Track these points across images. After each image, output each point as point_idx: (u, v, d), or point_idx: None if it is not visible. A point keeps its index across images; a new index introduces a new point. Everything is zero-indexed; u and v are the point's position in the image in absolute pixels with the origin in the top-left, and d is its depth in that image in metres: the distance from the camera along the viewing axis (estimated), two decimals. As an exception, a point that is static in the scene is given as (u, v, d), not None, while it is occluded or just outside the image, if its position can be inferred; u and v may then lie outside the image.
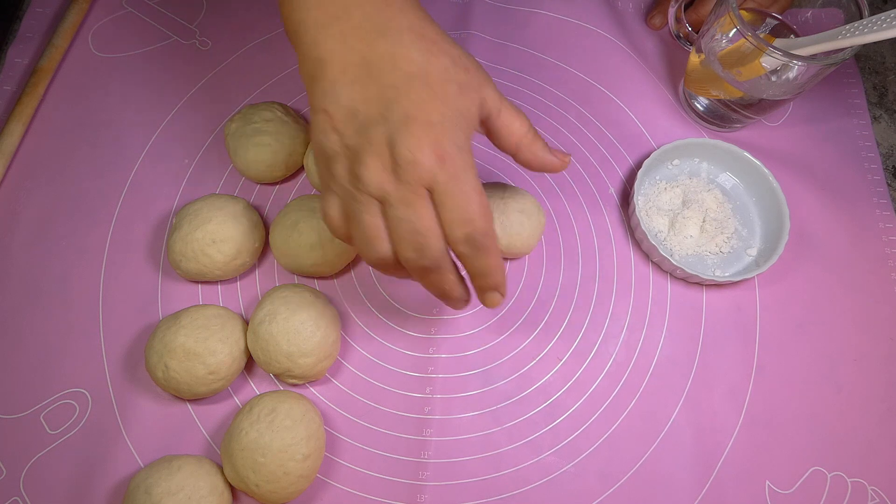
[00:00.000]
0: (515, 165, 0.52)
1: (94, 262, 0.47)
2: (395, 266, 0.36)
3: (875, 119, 0.56)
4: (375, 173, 0.33)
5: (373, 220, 0.34)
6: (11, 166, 0.50)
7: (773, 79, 0.47)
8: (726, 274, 0.48)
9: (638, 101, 0.55)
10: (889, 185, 0.53)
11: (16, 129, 0.50)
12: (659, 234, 0.49)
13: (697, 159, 0.52)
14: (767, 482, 0.43)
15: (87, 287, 0.47)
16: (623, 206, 0.51)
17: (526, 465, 0.43)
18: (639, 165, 0.50)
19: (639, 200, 0.49)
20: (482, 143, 0.53)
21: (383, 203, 0.34)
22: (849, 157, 0.54)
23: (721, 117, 0.53)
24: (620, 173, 0.53)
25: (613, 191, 0.52)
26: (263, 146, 0.48)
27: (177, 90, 0.54)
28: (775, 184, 0.49)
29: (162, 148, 0.52)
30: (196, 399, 0.43)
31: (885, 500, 0.43)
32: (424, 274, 0.35)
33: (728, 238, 0.49)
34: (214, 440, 0.43)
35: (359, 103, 0.33)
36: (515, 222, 0.46)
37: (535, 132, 0.38)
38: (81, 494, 0.41)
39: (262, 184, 0.51)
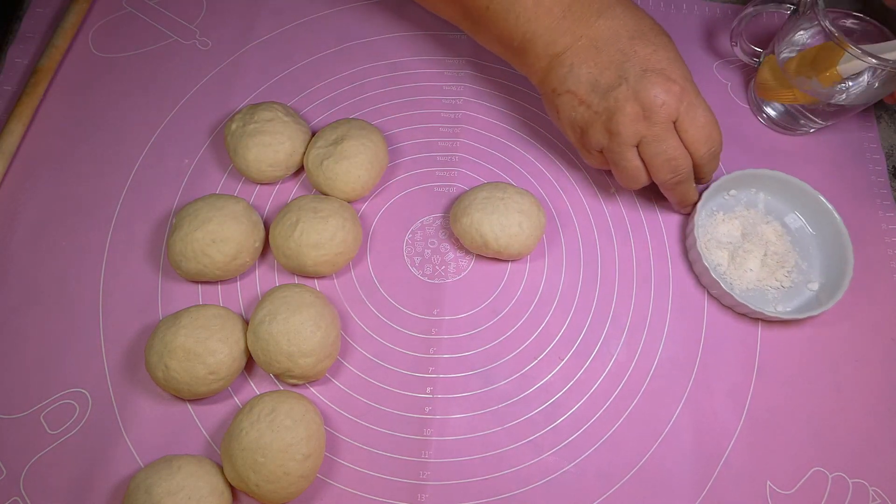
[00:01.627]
0: (518, 166, 0.52)
1: (94, 262, 0.47)
2: (645, 185, 0.45)
3: (875, 119, 0.56)
4: (631, 124, 0.41)
5: (634, 163, 0.43)
6: (11, 166, 0.50)
7: (851, 85, 0.47)
8: (788, 309, 0.47)
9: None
10: (891, 185, 0.53)
11: (16, 129, 0.50)
12: (718, 268, 0.48)
13: (754, 190, 0.51)
14: (768, 482, 0.43)
15: (87, 287, 0.47)
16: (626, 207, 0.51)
17: (526, 466, 0.43)
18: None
19: (699, 233, 0.48)
20: (479, 143, 0.53)
21: (640, 144, 0.42)
22: (852, 156, 0.54)
23: (790, 121, 0.53)
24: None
25: (615, 190, 0.52)
26: (263, 146, 0.48)
27: (177, 90, 0.54)
28: (837, 216, 0.48)
29: (162, 148, 0.52)
30: (196, 399, 0.43)
31: (887, 501, 0.43)
32: (675, 187, 0.44)
33: (789, 272, 0.48)
34: (214, 440, 0.43)
35: (597, 75, 0.41)
36: (514, 222, 0.45)
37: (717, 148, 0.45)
38: (81, 494, 0.41)
39: (262, 184, 0.51)
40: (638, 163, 0.43)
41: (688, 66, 0.43)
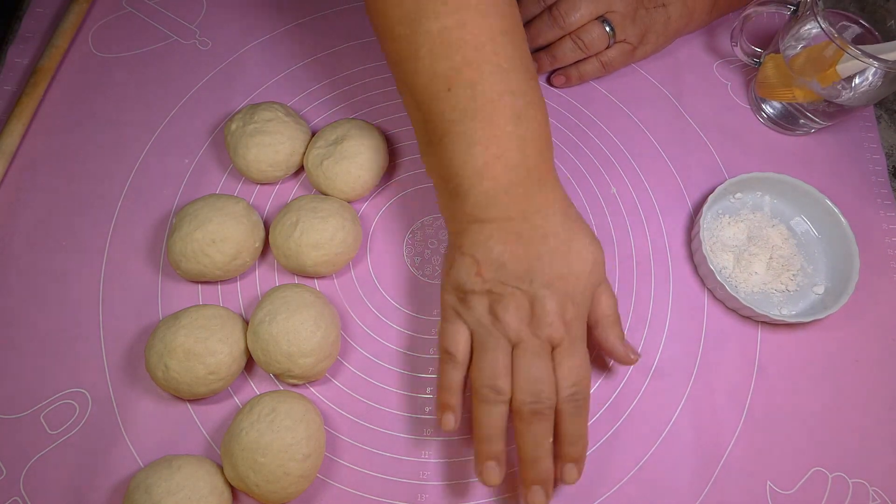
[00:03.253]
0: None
1: (94, 262, 0.47)
2: (500, 403, 0.39)
3: (875, 119, 0.56)
4: (515, 318, 0.39)
5: (504, 357, 0.39)
6: (11, 166, 0.50)
7: (850, 85, 0.47)
8: (793, 312, 0.47)
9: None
10: (891, 185, 0.53)
11: (16, 129, 0.50)
12: (724, 271, 0.48)
13: (760, 192, 0.51)
14: (769, 482, 0.43)
15: (87, 287, 0.47)
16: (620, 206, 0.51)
17: (526, 466, 0.43)
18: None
19: (704, 236, 0.47)
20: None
21: (515, 346, 0.39)
22: (852, 156, 0.54)
23: (790, 121, 0.53)
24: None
25: (615, 190, 0.52)
26: (263, 146, 0.48)
27: (177, 90, 0.54)
28: (843, 220, 0.48)
29: (162, 148, 0.52)
30: (196, 399, 0.43)
31: (887, 501, 0.43)
32: (530, 422, 0.38)
33: (794, 275, 0.48)
34: (214, 440, 0.43)
35: (507, 260, 0.39)
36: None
37: (618, 318, 0.42)
38: (81, 494, 0.41)
39: (262, 184, 0.51)
40: (508, 361, 0.39)
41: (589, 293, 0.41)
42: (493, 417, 0.39)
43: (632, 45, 0.52)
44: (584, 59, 0.54)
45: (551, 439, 0.39)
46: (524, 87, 0.39)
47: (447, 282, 0.41)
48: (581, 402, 0.39)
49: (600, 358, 0.46)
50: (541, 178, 0.40)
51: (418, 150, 0.44)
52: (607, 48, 0.53)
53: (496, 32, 0.39)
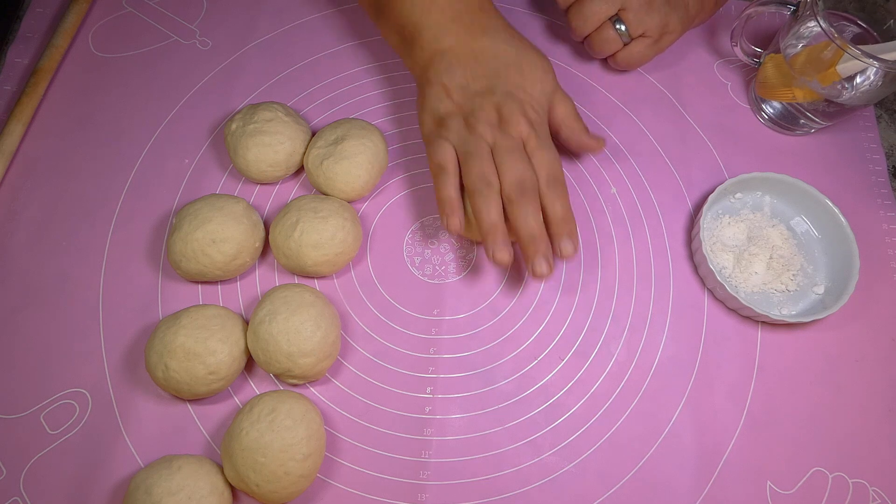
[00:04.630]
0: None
1: (94, 262, 0.47)
2: (492, 193, 0.44)
3: (875, 119, 0.56)
4: (488, 126, 0.45)
5: (488, 157, 0.44)
6: (11, 166, 0.50)
7: (850, 85, 0.48)
8: (793, 313, 0.47)
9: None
10: (891, 185, 0.53)
11: (16, 129, 0.50)
12: (724, 271, 0.48)
13: (760, 192, 0.51)
14: (769, 482, 0.43)
15: (87, 287, 0.47)
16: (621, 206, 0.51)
17: (527, 465, 0.43)
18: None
19: (704, 236, 0.47)
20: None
21: (493, 149, 0.45)
22: (852, 156, 0.54)
23: (790, 121, 0.53)
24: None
25: (616, 190, 0.52)
26: (263, 146, 0.48)
27: (177, 90, 0.54)
28: (843, 220, 0.48)
29: (162, 148, 0.52)
30: (196, 399, 0.43)
31: (887, 501, 0.43)
32: (518, 201, 0.43)
33: (794, 275, 0.48)
34: (214, 440, 0.43)
35: (469, 80, 0.46)
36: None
37: (578, 116, 0.48)
38: (81, 494, 0.41)
39: (262, 184, 0.51)
40: (492, 161, 0.44)
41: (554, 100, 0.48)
42: (490, 208, 0.43)
43: (652, 38, 0.52)
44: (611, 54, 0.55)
45: (541, 217, 0.44)
46: None
47: (424, 113, 0.47)
48: (558, 183, 0.45)
49: (600, 357, 0.46)
50: (480, 5, 0.48)
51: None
52: (626, 45, 0.53)
53: None
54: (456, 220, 0.44)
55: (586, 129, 0.48)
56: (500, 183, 0.44)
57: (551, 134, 0.48)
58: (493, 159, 0.44)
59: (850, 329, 0.48)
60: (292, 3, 0.58)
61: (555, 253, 0.44)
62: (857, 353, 0.47)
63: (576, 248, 0.44)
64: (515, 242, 0.46)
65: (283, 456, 0.39)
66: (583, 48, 0.56)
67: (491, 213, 0.43)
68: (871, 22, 0.50)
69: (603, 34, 0.52)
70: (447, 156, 0.45)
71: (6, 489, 0.41)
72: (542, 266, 0.43)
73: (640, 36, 0.52)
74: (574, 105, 0.48)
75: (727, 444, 0.44)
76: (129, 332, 0.45)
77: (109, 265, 0.47)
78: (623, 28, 0.51)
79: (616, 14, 0.51)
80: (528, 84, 0.46)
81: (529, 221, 0.43)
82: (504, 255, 0.43)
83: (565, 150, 0.52)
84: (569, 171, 0.52)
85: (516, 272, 0.49)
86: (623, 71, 0.56)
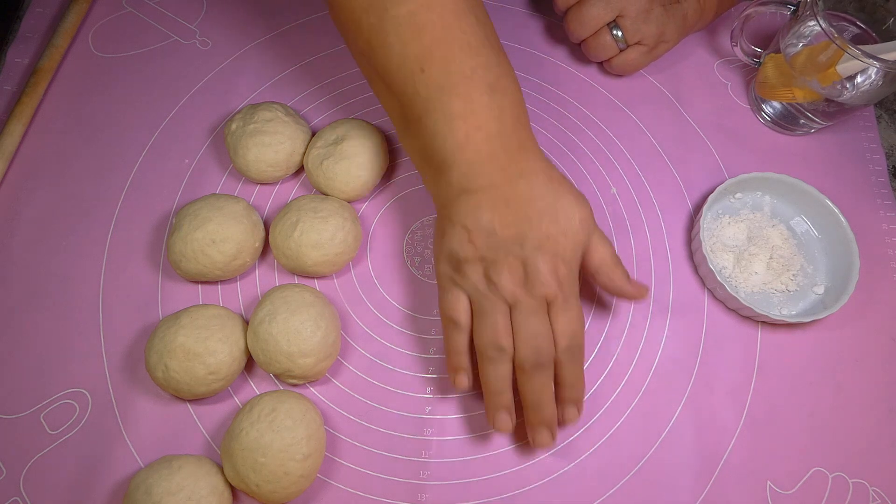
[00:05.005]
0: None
1: (94, 262, 0.47)
2: (504, 360, 0.41)
3: (876, 119, 0.56)
4: (509, 282, 0.40)
5: (503, 318, 0.40)
6: (11, 166, 0.50)
7: (850, 85, 0.48)
8: (793, 313, 0.47)
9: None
10: (891, 185, 0.53)
11: (16, 129, 0.50)
12: (724, 271, 0.48)
13: (760, 192, 0.51)
14: (769, 482, 0.43)
15: (87, 287, 0.47)
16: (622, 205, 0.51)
17: (526, 465, 0.43)
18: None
19: (704, 236, 0.47)
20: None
21: (512, 307, 0.40)
22: (852, 156, 0.54)
23: (790, 121, 0.53)
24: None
25: (616, 190, 0.52)
26: (263, 146, 0.48)
27: (177, 90, 0.54)
28: (843, 220, 0.48)
29: (162, 148, 0.52)
30: (196, 399, 0.43)
31: (887, 501, 0.43)
32: (533, 374, 0.40)
33: (794, 275, 0.48)
34: (214, 440, 0.43)
35: (497, 226, 0.40)
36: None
37: (617, 261, 0.43)
38: (81, 494, 0.41)
39: (262, 184, 0.51)
40: (507, 321, 0.40)
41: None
42: (499, 374, 0.41)
43: (648, 46, 0.53)
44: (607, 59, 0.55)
45: (552, 387, 0.41)
46: (494, 60, 0.41)
47: (440, 253, 0.42)
48: (576, 350, 0.41)
49: (601, 356, 0.46)
50: (521, 143, 0.41)
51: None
52: (622, 51, 0.53)
53: (461, 11, 0.40)
54: (464, 379, 0.42)
55: (626, 276, 0.43)
56: (515, 347, 0.41)
57: (587, 275, 0.44)
58: (511, 316, 0.41)
59: (850, 329, 0.48)
60: (292, 3, 0.58)
61: (559, 416, 0.42)
62: (857, 353, 0.47)
63: (580, 414, 0.42)
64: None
65: (283, 456, 0.39)
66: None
67: (499, 380, 0.41)
68: (871, 22, 0.50)
69: (599, 39, 0.53)
70: (460, 307, 0.42)
71: (6, 489, 0.41)
72: (544, 437, 0.41)
73: (637, 43, 0.53)
74: (613, 249, 0.43)
75: (727, 444, 0.44)
76: (129, 332, 0.45)
77: (109, 265, 0.47)
78: (619, 34, 0.52)
79: (614, 20, 0.51)
80: (561, 235, 0.41)
81: (539, 393, 0.41)
82: (506, 424, 0.41)
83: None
84: (569, 170, 0.52)
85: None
86: (618, 76, 0.56)
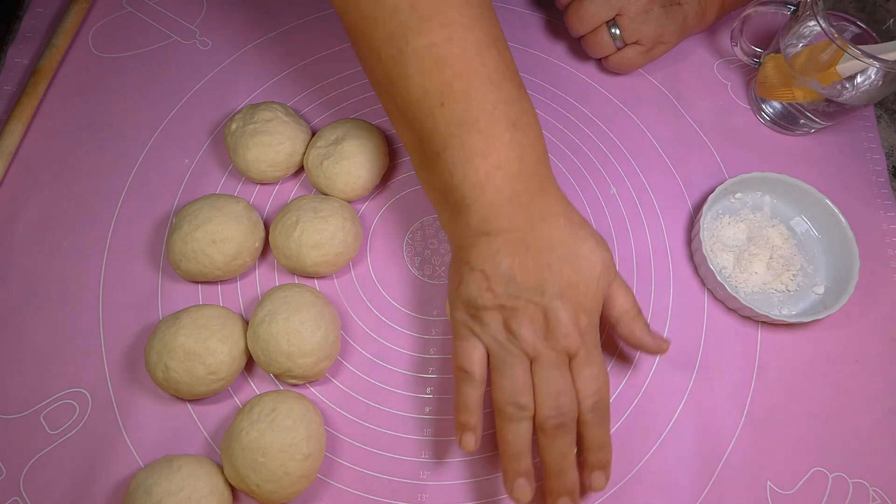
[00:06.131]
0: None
1: (94, 262, 0.47)
2: (524, 419, 0.38)
3: (875, 119, 0.56)
4: (530, 333, 0.38)
5: (524, 373, 0.38)
6: (11, 166, 0.50)
7: (851, 84, 0.48)
8: (793, 313, 0.47)
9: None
10: (891, 185, 0.53)
11: (16, 129, 0.50)
12: (724, 271, 0.48)
13: (760, 192, 0.51)
14: (769, 482, 0.43)
15: (87, 287, 0.47)
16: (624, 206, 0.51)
17: (526, 466, 0.43)
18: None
19: (704, 236, 0.47)
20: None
21: (533, 361, 0.38)
22: (852, 156, 0.54)
23: (790, 121, 0.53)
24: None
25: (616, 190, 0.52)
26: (263, 146, 0.48)
27: (177, 90, 0.54)
28: (843, 220, 0.48)
29: (162, 148, 0.52)
30: (196, 399, 0.43)
31: (887, 501, 0.43)
32: (554, 436, 0.38)
33: (794, 275, 0.48)
34: (214, 440, 0.43)
35: (517, 273, 0.38)
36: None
37: (638, 311, 0.42)
38: (81, 494, 0.41)
39: (262, 184, 0.51)
40: (528, 376, 0.38)
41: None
42: (518, 434, 0.38)
43: (646, 46, 0.53)
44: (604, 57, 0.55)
45: (575, 450, 0.39)
46: (516, 96, 0.39)
47: (456, 298, 0.40)
48: (602, 409, 0.39)
49: (605, 358, 0.46)
50: (542, 185, 0.40)
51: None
52: (620, 50, 0.53)
53: (482, 45, 0.38)
54: (471, 441, 0.39)
55: (647, 327, 0.42)
56: (535, 404, 0.38)
57: (606, 324, 0.42)
58: (531, 371, 0.39)
59: (850, 329, 0.48)
60: (292, 3, 0.58)
61: (583, 482, 0.39)
62: (857, 353, 0.47)
63: (607, 481, 0.39)
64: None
65: (283, 456, 0.39)
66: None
67: (518, 442, 0.38)
68: (871, 22, 0.50)
69: (598, 37, 0.53)
70: (474, 357, 0.39)
71: (6, 489, 0.41)
72: None
73: (634, 43, 0.53)
74: (633, 297, 0.42)
75: (727, 444, 0.44)
76: (129, 332, 0.45)
77: (109, 265, 0.47)
78: (617, 33, 0.52)
79: (613, 18, 0.51)
80: (583, 283, 0.39)
81: (561, 457, 0.38)
82: (525, 494, 0.38)
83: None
84: (569, 170, 0.52)
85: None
86: (617, 74, 0.56)
